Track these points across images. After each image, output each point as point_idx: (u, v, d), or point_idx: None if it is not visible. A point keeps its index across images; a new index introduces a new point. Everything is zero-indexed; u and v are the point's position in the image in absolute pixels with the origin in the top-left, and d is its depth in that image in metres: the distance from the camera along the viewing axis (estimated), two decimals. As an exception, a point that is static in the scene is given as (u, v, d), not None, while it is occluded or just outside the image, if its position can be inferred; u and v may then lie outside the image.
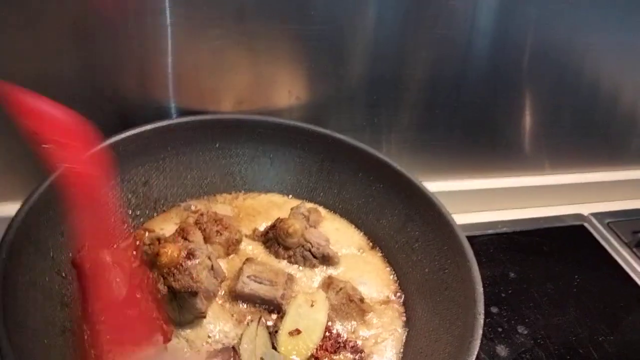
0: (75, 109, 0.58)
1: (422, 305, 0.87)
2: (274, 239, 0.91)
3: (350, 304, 0.83)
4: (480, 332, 0.72)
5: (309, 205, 1.02)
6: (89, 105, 0.81)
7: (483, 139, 1.24)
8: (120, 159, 0.88)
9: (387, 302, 0.89)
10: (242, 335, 0.74)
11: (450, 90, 1.12)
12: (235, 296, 0.80)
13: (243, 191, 1.04)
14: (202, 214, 0.88)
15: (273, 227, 0.92)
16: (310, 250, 0.90)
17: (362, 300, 0.85)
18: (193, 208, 0.95)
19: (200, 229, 0.84)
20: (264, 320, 0.77)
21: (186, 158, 0.98)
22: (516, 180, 1.33)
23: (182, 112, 0.98)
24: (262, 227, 0.96)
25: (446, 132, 1.20)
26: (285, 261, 0.90)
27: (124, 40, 0.86)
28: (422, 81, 1.09)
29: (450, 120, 1.18)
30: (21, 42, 0.81)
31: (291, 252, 0.90)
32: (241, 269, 0.83)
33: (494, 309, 1.07)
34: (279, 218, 0.92)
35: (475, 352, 0.70)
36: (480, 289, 0.78)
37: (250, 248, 0.92)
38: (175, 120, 0.95)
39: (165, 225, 0.92)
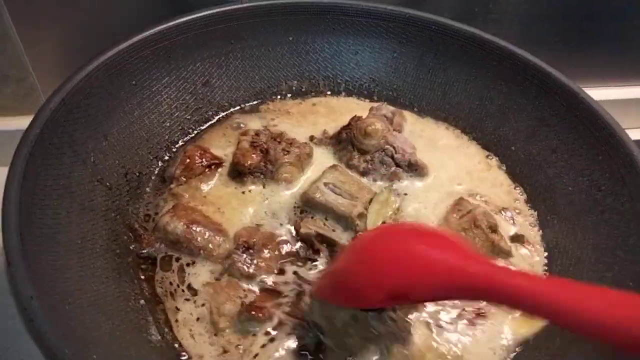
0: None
1: (566, 233, 0.65)
2: (348, 140, 0.72)
3: (476, 231, 0.63)
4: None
5: (392, 107, 0.79)
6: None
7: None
8: (175, 52, 0.73)
9: (518, 238, 0.67)
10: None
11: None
12: (305, 201, 0.65)
13: (315, 95, 0.85)
14: (257, 134, 0.70)
15: (347, 126, 0.73)
16: (392, 157, 0.70)
17: (493, 228, 0.64)
18: (243, 127, 0.76)
19: (261, 150, 0.68)
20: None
21: (254, 54, 0.80)
22: None
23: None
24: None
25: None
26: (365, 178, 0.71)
27: None
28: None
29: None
30: None
31: (368, 157, 0.70)
32: (323, 173, 0.67)
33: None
34: (355, 116, 0.73)
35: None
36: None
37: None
38: (237, 6, 0.75)
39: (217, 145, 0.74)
